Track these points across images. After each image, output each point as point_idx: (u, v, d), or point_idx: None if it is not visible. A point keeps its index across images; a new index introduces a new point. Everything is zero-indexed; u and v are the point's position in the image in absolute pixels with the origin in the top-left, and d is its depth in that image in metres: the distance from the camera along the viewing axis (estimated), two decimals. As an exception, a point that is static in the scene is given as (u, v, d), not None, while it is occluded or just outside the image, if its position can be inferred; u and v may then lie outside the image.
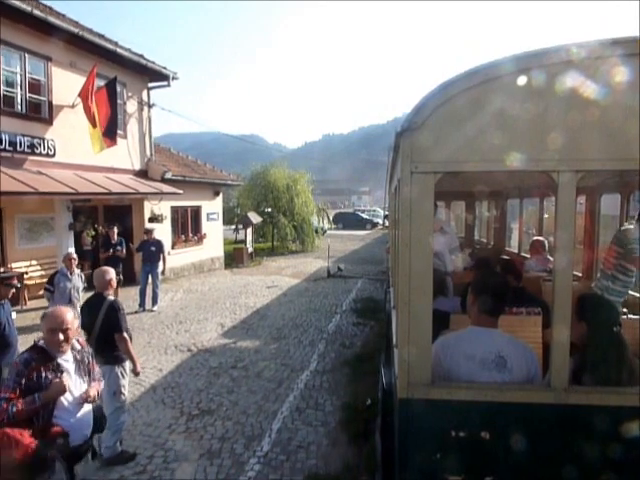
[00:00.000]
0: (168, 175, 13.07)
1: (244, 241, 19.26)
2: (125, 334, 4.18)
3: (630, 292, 4.05)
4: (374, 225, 39.17)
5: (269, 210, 22.14)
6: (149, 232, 10.19)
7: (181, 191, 12.85)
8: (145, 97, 13.19)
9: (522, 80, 2.16)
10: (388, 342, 4.23)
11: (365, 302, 11.06)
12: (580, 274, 5.25)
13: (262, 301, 11.35)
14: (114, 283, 4.36)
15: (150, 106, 13.27)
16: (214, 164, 18.09)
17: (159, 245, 10.12)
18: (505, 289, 2.58)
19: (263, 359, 7.10)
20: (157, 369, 6.77)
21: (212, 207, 16.51)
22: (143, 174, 13.04)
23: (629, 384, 2.34)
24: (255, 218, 19.76)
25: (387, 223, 35.51)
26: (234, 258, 17.93)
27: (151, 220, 12.70)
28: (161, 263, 10.20)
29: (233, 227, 24.63)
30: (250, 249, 18.99)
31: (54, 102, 10.21)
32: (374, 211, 46.98)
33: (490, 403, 2.26)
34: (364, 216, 41.64)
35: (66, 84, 10.40)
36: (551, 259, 4.99)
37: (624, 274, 3.82)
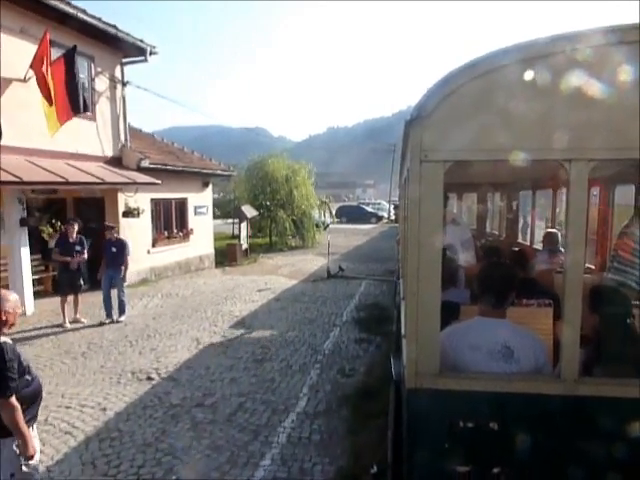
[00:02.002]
0: (145, 163, 11.45)
1: (238, 237, 17.71)
2: (12, 398, 2.58)
3: None
4: (379, 219, 37.87)
5: (267, 203, 20.51)
6: (110, 229, 8.55)
7: (159, 181, 11.23)
8: (118, 74, 11.53)
9: (533, 70, 2.08)
10: (398, 333, 4.21)
11: (370, 310, 9.46)
12: (592, 266, 5.12)
13: (250, 308, 9.77)
14: (12, 318, 2.77)
15: (124, 84, 11.64)
16: (217, 156, 16.60)
17: (122, 246, 8.47)
18: (511, 280, 2.50)
19: (239, 393, 5.53)
20: (100, 408, 5.21)
21: (201, 200, 14.90)
22: (116, 162, 11.41)
23: None
24: (250, 212, 18.13)
25: (393, 217, 34.14)
26: (226, 255, 16.35)
27: (125, 214, 11.11)
28: (124, 267, 8.60)
29: (230, 221, 23.03)
30: (245, 245, 17.42)
31: (0, 75, 8.60)
32: (379, 204, 45.52)
33: (498, 393, 2.22)
34: (369, 209, 40.08)
35: (16, 54, 8.77)
36: (563, 251, 4.70)
37: None
